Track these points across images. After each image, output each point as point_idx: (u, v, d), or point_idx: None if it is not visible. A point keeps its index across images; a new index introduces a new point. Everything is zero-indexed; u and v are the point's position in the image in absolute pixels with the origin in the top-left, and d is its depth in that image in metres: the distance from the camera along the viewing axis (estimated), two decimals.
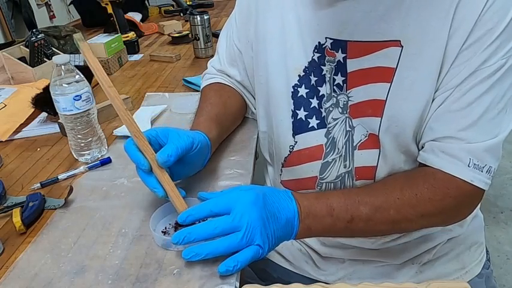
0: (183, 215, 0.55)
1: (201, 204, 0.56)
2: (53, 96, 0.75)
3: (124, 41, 1.48)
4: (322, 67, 0.67)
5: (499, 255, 1.68)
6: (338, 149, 0.69)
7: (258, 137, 0.85)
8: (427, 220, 0.62)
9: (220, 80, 0.86)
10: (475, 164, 0.58)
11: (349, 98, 0.66)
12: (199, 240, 0.53)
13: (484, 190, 0.60)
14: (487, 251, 0.84)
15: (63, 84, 0.74)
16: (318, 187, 0.73)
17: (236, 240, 0.52)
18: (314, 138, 0.70)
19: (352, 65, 0.64)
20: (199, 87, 0.92)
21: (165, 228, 0.60)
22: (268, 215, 0.55)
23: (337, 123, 0.68)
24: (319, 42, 0.66)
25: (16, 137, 0.95)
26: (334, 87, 0.67)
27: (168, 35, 1.73)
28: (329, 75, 0.66)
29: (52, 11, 2.31)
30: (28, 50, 1.22)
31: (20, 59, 1.21)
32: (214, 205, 0.55)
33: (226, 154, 0.80)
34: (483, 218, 0.85)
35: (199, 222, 0.55)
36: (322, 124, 0.69)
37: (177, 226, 0.59)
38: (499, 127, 0.58)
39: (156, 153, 0.59)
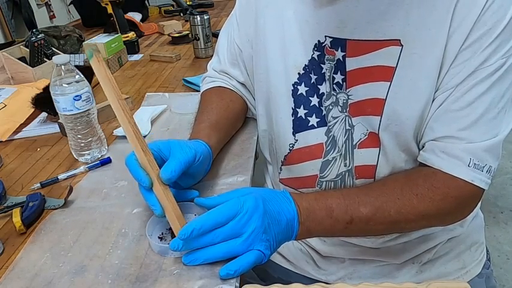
0: (187, 230, 0.51)
1: (202, 217, 0.53)
2: (53, 96, 0.75)
3: (124, 41, 1.48)
4: (322, 65, 0.67)
5: (499, 255, 1.68)
6: (338, 147, 0.69)
7: (257, 136, 0.85)
8: (427, 220, 0.62)
9: (221, 83, 0.85)
10: (475, 164, 0.58)
11: (349, 97, 0.66)
12: (199, 247, 0.53)
13: (484, 189, 0.60)
14: (487, 251, 0.84)
15: (63, 84, 0.74)
16: (318, 186, 0.73)
17: (235, 245, 0.52)
18: (314, 137, 0.70)
19: (352, 64, 0.64)
20: (199, 87, 0.91)
21: (162, 233, 0.59)
22: (269, 220, 0.54)
23: (337, 122, 0.68)
24: (318, 41, 0.66)
25: (16, 137, 0.95)
26: (334, 85, 0.67)
27: (168, 35, 1.73)
28: (329, 74, 0.66)
29: (52, 11, 2.31)
30: (28, 50, 1.22)
31: (20, 59, 1.21)
32: (214, 219, 0.53)
33: (226, 153, 0.80)
34: (483, 218, 0.85)
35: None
36: (322, 122, 0.69)
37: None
38: (499, 127, 0.58)
39: (159, 168, 0.57)
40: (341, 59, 0.64)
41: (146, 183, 0.56)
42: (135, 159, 0.58)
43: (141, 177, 0.56)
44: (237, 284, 0.52)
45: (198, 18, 1.43)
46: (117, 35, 1.44)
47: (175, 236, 0.53)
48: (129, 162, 0.58)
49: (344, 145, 0.68)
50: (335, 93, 0.67)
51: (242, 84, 0.84)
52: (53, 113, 0.97)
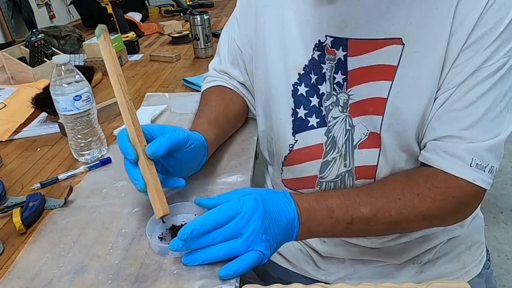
0: (187, 230, 0.51)
1: (202, 218, 0.53)
2: (53, 96, 0.75)
3: (124, 41, 1.48)
4: (322, 65, 0.66)
5: (499, 255, 1.68)
6: (338, 147, 0.69)
7: (257, 136, 0.85)
8: (429, 220, 0.61)
9: (221, 82, 0.85)
10: (477, 164, 0.58)
11: (350, 97, 0.65)
12: (199, 248, 0.53)
13: (486, 190, 0.60)
14: (487, 251, 0.84)
15: (63, 84, 0.74)
16: (318, 186, 0.73)
17: (235, 245, 0.52)
18: (314, 137, 0.70)
19: (353, 63, 0.63)
20: (200, 87, 0.91)
21: (162, 233, 0.59)
22: (269, 220, 0.54)
23: (337, 122, 0.68)
24: (319, 40, 0.66)
25: (16, 137, 0.95)
26: (334, 85, 0.66)
27: (168, 35, 1.73)
28: (329, 74, 0.66)
29: (52, 11, 2.31)
30: (28, 50, 1.22)
31: (20, 59, 1.21)
32: (214, 219, 0.53)
33: (226, 153, 0.80)
34: (483, 218, 0.85)
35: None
36: (322, 123, 0.69)
37: (174, 231, 0.58)
38: (501, 126, 0.58)
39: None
40: (342, 58, 0.64)
41: (132, 156, 0.57)
42: (126, 134, 0.59)
43: (127, 150, 0.57)
44: (237, 284, 0.52)
45: (198, 18, 1.43)
46: (117, 35, 1.44)
47: (175, 236, 0.53)
48: (119, 136, 0.59)
49: (344, 145, 0.68)
50: (335, 93, 0.67)
51: (242, 84, 0.84)
52: (53, 113, 0.97)
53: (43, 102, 0.95)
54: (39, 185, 0.74)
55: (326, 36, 0.65)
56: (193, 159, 0.66)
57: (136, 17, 1.89)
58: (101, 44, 0.61)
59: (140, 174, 0.57)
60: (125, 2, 1.53)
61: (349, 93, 0.65)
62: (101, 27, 0.62)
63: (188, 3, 2.27)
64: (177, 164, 0.63)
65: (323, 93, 0.68)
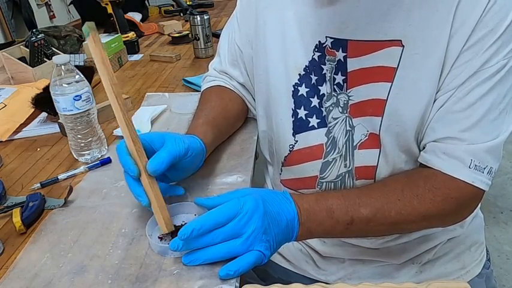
0: (187, 230, 0.51)
1: (202, 218, 0.53)
2: (53, 96, 0.75)
3: (124, 41, 1.48)
4: (323, 66, 0.66)
5: (499, 255, 1.68)
6: (338, 148, 0.69)
7: (258, 136, 0.85)
8: (428, 221, 0.62)
9: (221, 82, 0.85)
10: (476, 165, 0.58)
11: (350, 98, 0.66)
12: (199, 248, 0.53)
13: (485, 191, 0.60)
14: (487, 251, 0.84)
15: (63, 84, 0.74)
16: (318, 186, 0.73)
17: (235, 245, 0.52)
18: (314, 138, 0.70)
19: (353, 64, 0.64)
20: (200, 87, 0.91)
21: (162, 234, 0.59)
22: (269, 220, 0.54)
23: (337, 123, 0.68)
24: (319, 41, 0.66)
25: (16, 137, 0.95)
26: (335, 86, 0.66)
27: (168, 35, 1.73)
28: (329, 75, 0.66)
29: (52, 11, 2.32)
30: (28, 50, 1.22)
31: (20, 59, 1.21)
32: (214, 219, 0.53)
33: (226, 153, 0.80)
34: (483, 218, 0.85)
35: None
36: (322, 123, 0.69)
37: (174, 231, 0.58)
38: (500, 128, 0.58)
39: (148, 159, 0.57)
40: (342, 59, 0.64)
41: (134, 172, 0.56)
42: (126, 146, 0.58)
43: (129, 165, 0.57)
44: (237, 284, 0.52)
45: (198, 18, 1.43)
46: (117, 35, 1.44)
47: (175, 236, 0.53)
48: (119, 149, 0.58)
49: (344, 146, 0.68)
50: (336, 94, 0.67)
51: (242, 85, 0.84)
52: (53, 113, 0.97)
53: (43, 102, 0.95)
54: (39, 185, 0.74)
55: (326, 37, 0.65)
56: (191, 165, 0.67)
57: (136, 17, 1.89)
58: (91, 45, 0.55)
59: (143, 190, 0.57)
60: (125, 2, 1.54)
61: (349, 94, 0.65)
62: (88, 25, 0.55)
63: (188, 3, 2.28)
64: (176, 171, 0.64)
65: (323, 94, 0.68)
